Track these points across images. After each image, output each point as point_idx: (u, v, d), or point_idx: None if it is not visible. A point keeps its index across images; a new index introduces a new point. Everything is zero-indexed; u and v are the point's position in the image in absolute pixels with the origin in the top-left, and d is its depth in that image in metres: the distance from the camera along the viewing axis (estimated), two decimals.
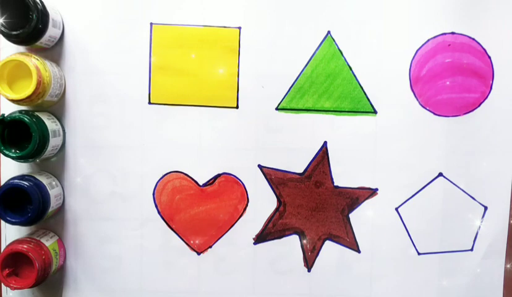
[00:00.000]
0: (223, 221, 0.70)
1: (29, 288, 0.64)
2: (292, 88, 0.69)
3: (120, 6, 0.68)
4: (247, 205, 0.70)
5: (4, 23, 0.61)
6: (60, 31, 0.68)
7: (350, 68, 0.69)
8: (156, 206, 0.70)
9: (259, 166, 0.70)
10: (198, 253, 0.71)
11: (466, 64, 0.68)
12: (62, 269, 0.70)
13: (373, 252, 0.71)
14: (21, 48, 0.67)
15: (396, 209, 0.70)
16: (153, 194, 0.70)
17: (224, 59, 0.69)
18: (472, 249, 0.71)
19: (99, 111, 0.69)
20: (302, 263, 0.71)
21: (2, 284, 0.69)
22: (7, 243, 0.66)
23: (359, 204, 0.70)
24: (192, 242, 0.71)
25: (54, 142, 0.66)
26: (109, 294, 0.71)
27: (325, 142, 0.69)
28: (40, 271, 0.63)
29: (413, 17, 0.68)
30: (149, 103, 0.69)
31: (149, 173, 0.70)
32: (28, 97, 0.62)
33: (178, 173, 0.70)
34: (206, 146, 0.70)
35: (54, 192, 0.66)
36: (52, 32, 0.65)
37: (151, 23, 0.68)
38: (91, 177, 0.69)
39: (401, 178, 0.70)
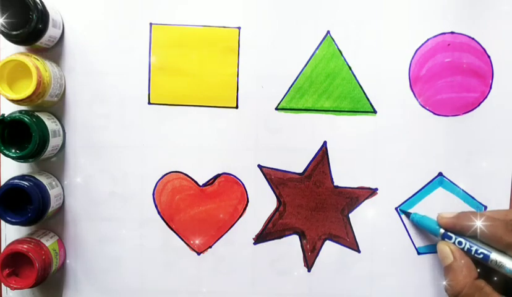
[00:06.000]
0: (223, 221, 0.70)
1: (29, 288, 0.63)
2: (291, 88, 0.69)
3: (120, 6, 0.68)
4: (246, 205, 0.70)
5: (4, 23, 0.61)
6: (60, 31, 0.68)
7: (350, 68, 0.69)
8: (155, 206, 0.70)
9: (259, 166, 0.70)
10: (198, 254, 0.71)
11: (466, 64, 0.68)
12: (62, 269, 0.70)
13: (373, 252, 0.70)
14: (21, 48, 0.67)
15: (396, 209, 0.70)
16: (153, 194, 0.70)
17: (223, 59, 0.69)
18: None
19: (99, 111, 0.69)
20: (302, 263, 0.71)
21: (2, 284, 0.69)
22: (7, 243, 0.66)
23: (359, 204, 0.70)
24: (191, 242, 0.70)
25: (54, 142, 0.65)
26: (109, 294, 0.71)
27: (325, 142, 0.69)
28: (40, 271, 0.63)
29: (413, 16, 0.68)
30: (149, 103, 0.69)
31: (149, 173, 0.70)
32: (28, 97, 0.62)
33: (178, 173, 0.70)
34: (206, 146, 0.69)
35: (54, 192, 0.66)
36: (52, 32, 0.65)
37: (151, 23, 0.68)
38: (91, 177, 0.69)
39: (400, 178, 0.69)
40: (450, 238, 0.65)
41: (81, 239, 0.70)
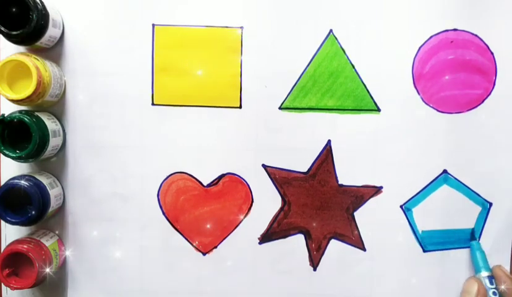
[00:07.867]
0: (228, 221, 0.70)
1: (29, 288, 0.63)
2: (295, 87, 0.69)
3: (120, 6, 0.68)
4: (251, 205, 0.70)
5: (3, 23, 0.60)
6: (60, 31, 0.67)
7: (353, 67, 0.69)
8: (160, 207, 0.69)
9: (263, 165, 0.69)
10: (204, 254, 0.70)
11: (469, 61, 0.69)
12: (62, 269, 0.70)
13: (379, 250, 0.70)
14: (21, 48, 0.67)
15: (401, 206, 0.70)
16: (158, 195, 0.69)
17: (226, 59, 0.69)
18: None
19: (100, 112, 0.68)
20: (308, 263, 0.70)
21: (2, 284, 0.68)
22: (7, 243, 0.65)
23: (364, 202, 0.70)
24: (197, 242, 0.70)
25: (54, 142, 0.65)
26: (110, 295, 0.70)
27: (329, 141, 0.69)
28: (40, 271, 0.62)
29: (416, 14, 0.69)
30: (153, 104, 0.69)
31: (153, 174, 0.69)
32: (28, 97, 0.61)
33: (182, 174, 0.69)
34: (210, 146, 0.69)
35: (54, 192, 0.66)
36: (52, 32, 0.65)
37: (153, 24, 0.68)
38: (91, 177, 0.69)
39: (405, 175, 0.70)
40: (492, 283, 0.66)
41: (81, 239, 0.69)
